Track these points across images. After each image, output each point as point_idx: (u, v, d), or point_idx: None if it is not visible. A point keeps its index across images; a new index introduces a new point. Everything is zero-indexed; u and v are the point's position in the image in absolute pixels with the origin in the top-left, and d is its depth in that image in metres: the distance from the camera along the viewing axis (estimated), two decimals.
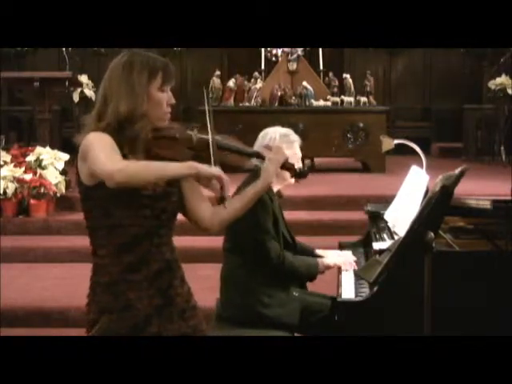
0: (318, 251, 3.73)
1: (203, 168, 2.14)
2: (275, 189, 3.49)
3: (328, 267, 3.58)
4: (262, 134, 3.47)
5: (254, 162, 3.13)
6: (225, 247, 3.46)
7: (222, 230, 2.47)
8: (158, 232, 2.28)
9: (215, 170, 2.18)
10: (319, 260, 3.58)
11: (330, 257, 3.64)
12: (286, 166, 2.47)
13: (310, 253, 3.70)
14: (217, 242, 3.69)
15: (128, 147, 2.21)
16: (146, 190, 2.21)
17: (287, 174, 3.41)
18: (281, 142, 3.37)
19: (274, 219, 3.39)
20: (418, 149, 4.26)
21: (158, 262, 2.28)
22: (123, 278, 2.25)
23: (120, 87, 2.22)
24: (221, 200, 2.22)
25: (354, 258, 3.67)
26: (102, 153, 2.12)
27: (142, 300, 2.26)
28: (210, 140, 2.25)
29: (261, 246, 3.34)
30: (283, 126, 3.63)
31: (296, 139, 3.49)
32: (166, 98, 2.25)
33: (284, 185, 3.51)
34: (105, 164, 2.08)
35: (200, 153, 2.25)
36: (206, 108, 2.29)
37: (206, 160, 2.22)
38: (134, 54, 2.27)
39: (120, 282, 2.25)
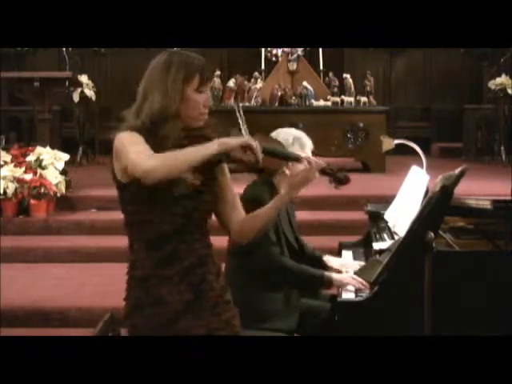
0: (326, 257, 3.64)
1: (232, 141, 2.18)
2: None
3: (335, 285, 3.38)
4: (273, 133, 3.38)
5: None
6: (228, 250, 3.44)
7: (249, 239, 2.46)
8: (188, 229, 2.31)
9: (244, 138, 2.20)
10: (327, 274, 3.38)
11: (340, 275, 3.43)
12: (326, 171, 2.43)
13: (318, 262, 3.59)
14: (218, 242, 3.69)
15: (159, 147, 2.22)
16: (177, 188, 2.24)
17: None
18: (293, 144, 3.34)
19: (276, 225, 3.36)
20: (418, 149, 4.27)
21: (190, 258, 2.31)
22: (155, 273, 2.29)
23: (156, 86, 2.25)
24: (254, 169, 2.23)
25: (357, 267, 3.50)
26: (134, 153, 2.15)
27: (172, 295, 2.29)
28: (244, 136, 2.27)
29: (259, 251, 3.29)
30: (283, 126, 3.61)
31: (308, 143, 3.43)
32: (202, 99, 2.27)
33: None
34: (139, 164, 2.12)
35: (232, 155, 2.24)
36: (238, 114, 2.35)
37: (240, 161, 2.25)
38: (173, 53, 2.30)
39: (152, 277, 2.29)
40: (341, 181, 2.46)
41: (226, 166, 2.40)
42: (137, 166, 2.13)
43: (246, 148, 2.20)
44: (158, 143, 2.23)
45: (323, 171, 2.43)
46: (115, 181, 2.30)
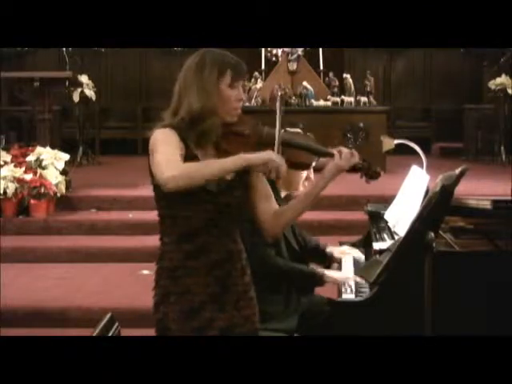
0: (329, 249, 3.67)
1: (253, 157, 2.22)
2: (283, 193, 3.46)
3: (330, 281, 3.42)
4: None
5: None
6: None
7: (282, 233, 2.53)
8: (218, 224, 2.37)
9: (265, 154, 2.24)
10: (320, 273, 3.42)
11: (333, 272, 3.50)
12: (357, 166, 2.46)
13: (321, 253, 3.65)
14: None
15: (199, 141, 2.32)
16: (210, 185, 2.29)
17: (297, 177, 3.41)
18: None
19: None
20: (418, 149, 4.26)
21: (218, 252, 2.38)
22: (183, 265, 2.37)
23: (193, 85, 2.33)
24: (272, 181, 2.29)
25: (362, 256, 3.60)
26: (163, 159, 2.22)
27: (198, 286, 2.36)
28: (277, 135, 2.32)
29: (254, 252, 3.29)
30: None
31: None
32: (235, 94, 2.35)
33: (290, 191, 3.49)
34: (160, 170, 2.20)
35: (269, 149, 2.29)
36: (277, 110, 2.39)
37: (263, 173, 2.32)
38: (205, 52, 2.39)
39: (180, 268, 2.37)
40: (372, 176, 2.53)
41: None
42: (158, 172, 2.21)
43: (268, 164, 2.24)
44: (199, 137, 2.31)
45: (356, 166, 2.46)
46: (151, 175, 2.35)
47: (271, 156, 2.24)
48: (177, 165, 2.21)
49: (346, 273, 3.49)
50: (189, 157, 2.30)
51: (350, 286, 3.34)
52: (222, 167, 2.21)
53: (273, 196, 2.51)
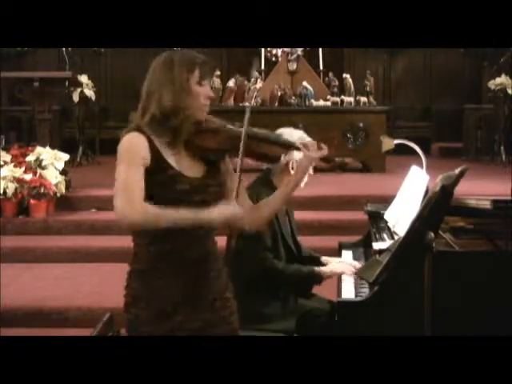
0: (323, 258, 3.66)
1: (228, 216, 2.28)
2: None
3: (327, 276, 3.47)
4: (276, 133, 3.39)
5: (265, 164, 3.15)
6: (226, 251, 3.43)
7: (258, 227, 2.61)
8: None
9: (239, 214, 2.31)
10: (317, 270, 3.46)
11: (330, 265, 3.53)
12: (327, 158, 2.49)
13: (317, 261, 3.63)
14: (218, 242, 3.67)
15: (172, 138, 2.33)
16: (179, 184, 2.30)
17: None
18: None
19: (272, 228, 3.36)
20: (417, 149, 4.27)
21: (191, 253, 2.35)
22: (154, 267, 2.34)
23: (163, 83, 2.34)
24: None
25: (356, 264, 3.58)
26: (123, 188, 2.22)
27: (170, 288, 2.33)
28: (244, 130, 2.33)
29: (253, 256, 3.29)
30: (283, 126, 3.61)
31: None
32: (204, 91, 2.37)
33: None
34: (121, 208, 2.20)
35: (237, 143, 2.33)
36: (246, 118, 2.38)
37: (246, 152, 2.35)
38: (173, 52, 2.40)
39: (151, 270, 2.35)
40: (337, 166, 2.55)
41: (227, 158, 2.47)
42: (119, 208, 2.20)
43: (231, 219, 2.30)
44: (172, 134, 2.32)
45: (325, 158, 2.48)
46: None
47: (240, 212, 2.30)
48: (140, 209, 2.20)
49: (344, 264, 3.51)
50: (156, 162, 2.29)
51: (351, 276, 3.38)
52: (189, 221, 2.23)
53: (245, 193, 2.51)
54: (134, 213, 2.19)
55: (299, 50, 9.68)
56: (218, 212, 2.27)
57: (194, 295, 2.36)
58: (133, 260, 2.41)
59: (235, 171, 2.38)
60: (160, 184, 2.28)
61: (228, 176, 2.46)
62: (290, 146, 2.48)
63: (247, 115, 2.37)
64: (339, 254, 3.99)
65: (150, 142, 2.30)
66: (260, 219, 2.52)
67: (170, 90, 2.32)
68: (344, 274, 3.46)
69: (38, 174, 6.62)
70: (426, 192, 3.45)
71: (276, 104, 9.22)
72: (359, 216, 4.90)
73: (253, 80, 9.50)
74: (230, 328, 2.44)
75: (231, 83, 9.31)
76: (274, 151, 2.45)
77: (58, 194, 6.72)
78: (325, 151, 2.44)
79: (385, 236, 3.69)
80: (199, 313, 2.36)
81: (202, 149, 2.35)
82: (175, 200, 2.28)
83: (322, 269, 3.47)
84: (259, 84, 9.44)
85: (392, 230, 3.65)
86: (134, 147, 2.29)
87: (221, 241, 3.56)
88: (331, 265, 3.54)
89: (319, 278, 3.44)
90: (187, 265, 2.34)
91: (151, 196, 2.26)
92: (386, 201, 4.14)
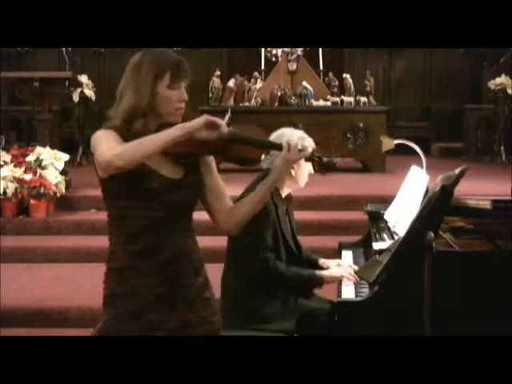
0: (322, 261, 3.64)
1: (192, 122, 2.18)
2: (284, 193, 3.46)
3: (328, 281, 3.44)
4: (276, 133, 3.37)
5: (265, 164, 3.15)
6: (226, 252, 3.43)
7: (238, 230, 2.48)
8: (167, 223, 2.32)
9: (203, 117, 2.21)
10: (318, 273, 3.44)
11: (331, 269, 3.50)
12: (312, 157, 2.42)
13: (314, 263, 3.61)
14: (219, 241, 3.68)
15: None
16: (152, 182, 2.27)
17: (300, 176, 3.42)
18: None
19: (274, 227, 3.35)
20: (417, 149, 4.27)
21: (167, 252, 2.32)
22: (130, 265, 2.33)
23: (128, 84, 2.31)
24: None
25: (355, 267, 3.54)
26: (104, 145, 2.20)
27: (145, 287, 2.31)
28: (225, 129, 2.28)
29: (254, 256, 3.29)
30: (283, 125, 3.60)
31: (311, 144, 3.42)
32: (176, 95, 2.31)
33: (293, 188, 3.49)
34: (101, 156, 2.17)
35: (215, 146, 2.27)
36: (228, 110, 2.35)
37: (223, 153, 2.31)
38: (145, 52, 2.35)
39: (126, 269, 2.33)
40: (325, 168, 2.44)
41: (210, 157, 2.41)
42: (101, 156, 2.17)
43: (207, 126, 2.20)
44: (137, 137, 2.24)
45: (308, 158, 2.42)
46: (97, 177, 2.34)
47: (207, 117, 2.21)
48: (115, 147, 2.18)
49: (343, 267, 3.49)
50: None
51: (353, 277, 3.36)
52: (161, 139, 2.16)
53: (226, 194, 2.45)
54: (115, 152, 2.14)
55: (299, 50, 9.68)
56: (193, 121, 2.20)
57: (170, 294, 2.33)
58: (109, 259, 2.40)
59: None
60: (130, 181, 2.24)
61: (209, 177, 2.41)
62: (271, 146, 2.45)
63: (228, 115, 2.33)
64: (339, 254, 3.99)
65: (125, 139, 2.25)
66: (237, 219, 2.43)
67: (132, 93, 2.27)
68: (343, 279, 3.44)
69: (37, 174, 6.62)
70: (426, 192, 3.45)
71: (276, 104, 9.22)
72: (359, 216, 4.90)
73: (253, 80, 9.51)
74: (211, 328, 2.39)
75: (231, 83, 9.31)
76: (254, 153, 2.39)
77: (58, 194, 6.72)
78: (305, 153, 2.36)
79: (385, 236, 3.69)
80: (177, 313, 2.33)
81: (178, 154, 2.27)
82: (146, 199, 2.27)
83: (323, 273, 3.45)
84: (259, 84, 9.44)
85: (392, 230, 3.65)
86: (108, 134, 2.26)
87: (221, 241, 3.57)
88: (332, 269, 3.50)
89: (320, 282, 3.43)
90: (162, 264, 2.31)
91: (123, 192, 2.26)
92: (386, 201, 4.14)
